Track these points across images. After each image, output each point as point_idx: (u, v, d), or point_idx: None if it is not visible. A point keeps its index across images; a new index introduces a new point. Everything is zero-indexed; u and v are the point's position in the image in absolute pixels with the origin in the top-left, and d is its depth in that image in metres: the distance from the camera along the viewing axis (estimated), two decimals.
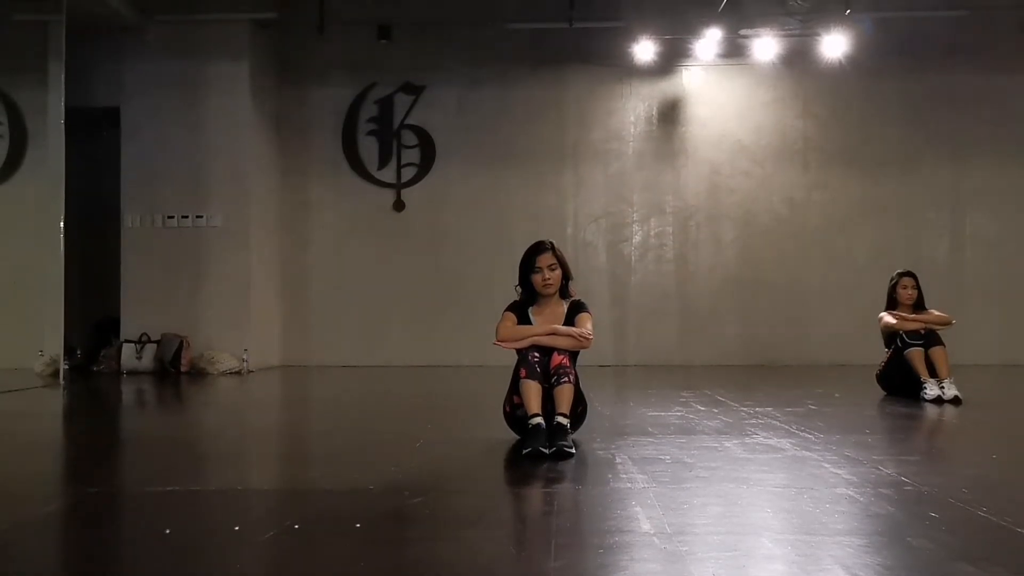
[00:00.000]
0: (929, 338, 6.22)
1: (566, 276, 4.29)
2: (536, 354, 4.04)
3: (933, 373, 6.11)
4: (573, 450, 3.82)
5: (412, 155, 9.99)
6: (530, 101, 9.93)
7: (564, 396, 3.96)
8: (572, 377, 4.01)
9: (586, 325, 4.18)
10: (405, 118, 9.99)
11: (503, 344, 4.19)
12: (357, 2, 9.32)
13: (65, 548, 2.74)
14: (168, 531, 2.71)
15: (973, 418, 5.47)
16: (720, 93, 9.97)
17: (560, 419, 3.90)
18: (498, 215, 9.86)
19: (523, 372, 4.01)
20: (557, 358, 4.04)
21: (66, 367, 7.96)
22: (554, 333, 4.13)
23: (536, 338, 4.11)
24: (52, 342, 7.95)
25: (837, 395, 6.61)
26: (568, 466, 3.66)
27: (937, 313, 6.42)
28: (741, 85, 9.94)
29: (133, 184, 9.12)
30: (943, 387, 5.98)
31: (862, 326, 7.92)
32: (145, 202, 9.09)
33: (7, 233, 8.69)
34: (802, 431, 4.60)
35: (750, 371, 8.96)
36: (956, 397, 5.90)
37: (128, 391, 7.61)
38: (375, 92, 9.99)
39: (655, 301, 9.90)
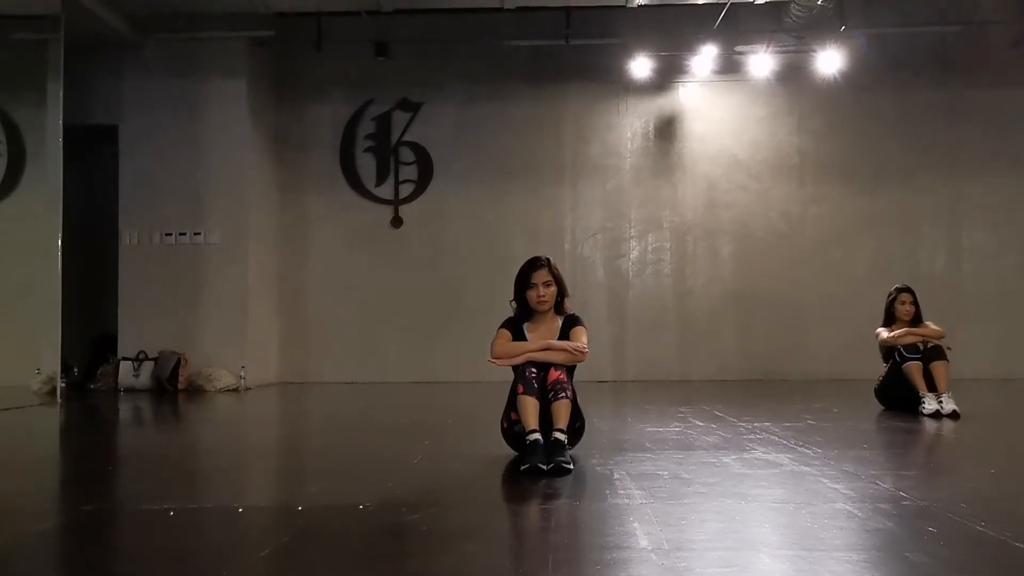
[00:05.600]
0: (932, 352, 6.20)
1: (561, 292, 4.29)
2: (533, 370, 4.04)
3: (932, 387, 6.10)
4: (571, 466, 3.81)
5: (410, 171, 10.01)
6: (527, 117, 9.96)
7: (561, 411, 3.95)
8: (570, 392, 4.01)
9: (581, 339, 4.18)
10: (403, 135, 10.01)
11: (498, 361, 4.18)
12: (354, 19, 9.36)
13: (61, 565, 2.73)
14: (164, 549, 2.70)
15: (971, 432, 5.47)
16: (716, 109, 10.01)
17: (558, 435, 3.89)
18: (496, 231, 9.87)
19: (520, 388, 4.00)
20: (554, 373, 4.03)
21: (63, 385, 7.93)
22: (549, 348, 4.13)
23: (531, 354, 4.11)
24: (49, 360, 7.92)
25: (835, 410, 6.60)
26: (566, 482, 3.66)
27: (933, 327, 6.42)
28: (737, 101, 9.98)
29: (131, 201, 9.13)
30: (941, 401, 5.97)
31: (860, 340, 7.91)
32: (143, 219, 9.10)
33: (5, 251, 8.68)
34: (800, 446, 4.60)
35: (748, 386, 8.96)
36: (954, 411, 5.89)
37: (125, 409, 7.59)
38: (373, 109, 10.01)
39: (653, 316, 9.90)
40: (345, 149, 9.99)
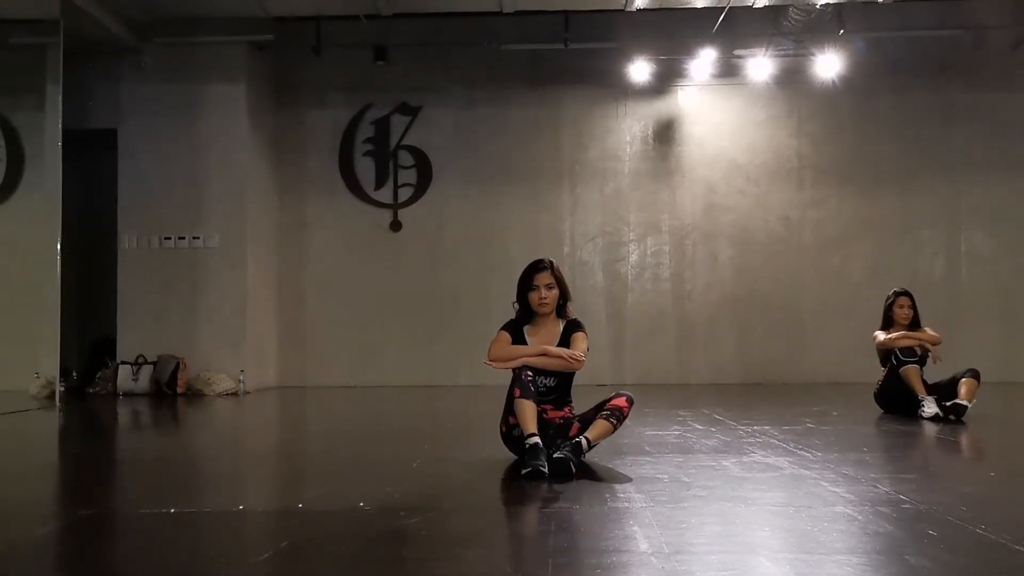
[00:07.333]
0: (970, 371, 6.09)
1: (564, 296, 4.28)
2: (529, 373, 4.02)
3: (932, 391, 6.08)
4: (574, 468, 3.80)
5: (409, 175, 10.01)
6: (526, 121, 9.97)
7: (601, 428, 4.00)
8: (617, 423, 4.03)
9: (580, 346, 4.15)
10: (402, 138, 10.02)
11: (494, 364, 4.17)
12: (353, 24, 9.37)
13: (59, 570, 2.72)
14: (163, 553, 2.69)
15: (971, 436, 5.46)
16: (715, 112, 10.02)
17: (583, 440, 3.93)
18: (494, 235, 9.88)
19: (517, 392, 3.98)
20: (619, 402, 4.06)
21: (62, 389, 7.93)
22: (545, 354, 4.12)
23: (527, 359, 4.10)
24: (48, 364, 7.92)
25: (835, 413, 6.60)
26: (565, 486, 3.65)
27: (930, 332, 6.42)
28: (736, 105, 9.99)
29: (130, 205, 9.13)
30: (958, 401, 5.92)
31: (859, 344, 7.91)
32: (142, 223, 9.10)
33: (3, 255, 8.68)
34: (800, 449, 4.60)
35: (747, 389, 8.95)
36: (963, 406, 5.84)
37: (124, 413, 7.58)
38: (371, 113, 10.02)
39: (652, 320, 9.90)
40: (344, 153, 10.00)
